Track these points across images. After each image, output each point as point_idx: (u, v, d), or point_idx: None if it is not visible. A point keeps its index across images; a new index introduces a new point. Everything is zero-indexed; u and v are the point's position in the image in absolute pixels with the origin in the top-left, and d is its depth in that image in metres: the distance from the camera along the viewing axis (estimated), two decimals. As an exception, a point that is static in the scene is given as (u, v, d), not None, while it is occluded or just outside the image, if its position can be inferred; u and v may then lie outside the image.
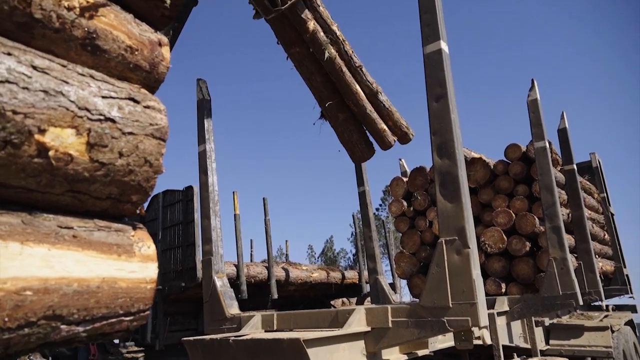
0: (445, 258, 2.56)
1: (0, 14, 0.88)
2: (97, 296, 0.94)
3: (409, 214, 6.26)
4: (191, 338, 2.95)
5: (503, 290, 5.32)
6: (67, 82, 0.92)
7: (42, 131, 0.86)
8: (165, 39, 1.24)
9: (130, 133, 1.02)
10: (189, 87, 5.21)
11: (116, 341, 7.34)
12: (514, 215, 5.34)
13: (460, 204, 2.60)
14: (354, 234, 14.38)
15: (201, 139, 4.23)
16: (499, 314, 4.05)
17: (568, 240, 4.85)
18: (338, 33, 3.99)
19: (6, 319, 0.79)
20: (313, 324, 3.07)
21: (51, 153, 0.88)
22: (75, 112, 0.91)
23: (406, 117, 4.39)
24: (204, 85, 4.35)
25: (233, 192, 7.05)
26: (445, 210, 2.65)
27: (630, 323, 6.56)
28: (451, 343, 3.21)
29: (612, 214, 8.16)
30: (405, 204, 6.27)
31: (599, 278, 5.52)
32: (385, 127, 4.27)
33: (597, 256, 6.43)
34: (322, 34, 3.88)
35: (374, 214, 6.37)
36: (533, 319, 4.58)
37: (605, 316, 6.07)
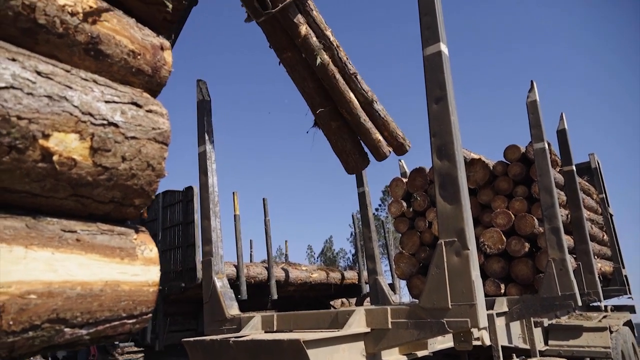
0: (445, 259, 2.57)
1: (4, 20, 0.88)
2: (100, 299, 0.94)
3: (408, 214, 6.26)
4: (191, 339, 2.95)
5: (502, 291, 5.33)
6: (70, 87, 0.93)
7: (46, 136, 0.86)
8: (167, 43, 1.24)
9: (133, 137, 1.03)
10: (189, 87, 5.21)
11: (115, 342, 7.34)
12: (513, 216, 5.35)
13: (459, 206, 2.60)
14: (353, 234, 14.38)
15: (201, 140, 4.23)
16: (498, 314, 4.06)
17: (567, 241, 4.86)
18: (332, 39, 3.89)
19: (11, 323, 0.79)
20: (313, 325, 3.07)
21: (55, 158, 0.88)
22: (79, 117, 0.92)
23: (404, 118, 4.40)
24: (204, 86, 4.35)
25: (233, 193, 7.06)
26: (444, 212, 2.65)
27: (628, 323, 6.57)
28: (450, 344, 3.22)
29: (611, 215, 8.17)
30: (404, 204, 6.28)
31: (597, 279, 5.53)
32: (380, 137, 4.16)
33: (596, 257, 6.44)
34: (314, 39, 3.78)
35: (374, 214, 6.38)
36: (532, 319, 4.59)
37: (604, 317, 6.07)
